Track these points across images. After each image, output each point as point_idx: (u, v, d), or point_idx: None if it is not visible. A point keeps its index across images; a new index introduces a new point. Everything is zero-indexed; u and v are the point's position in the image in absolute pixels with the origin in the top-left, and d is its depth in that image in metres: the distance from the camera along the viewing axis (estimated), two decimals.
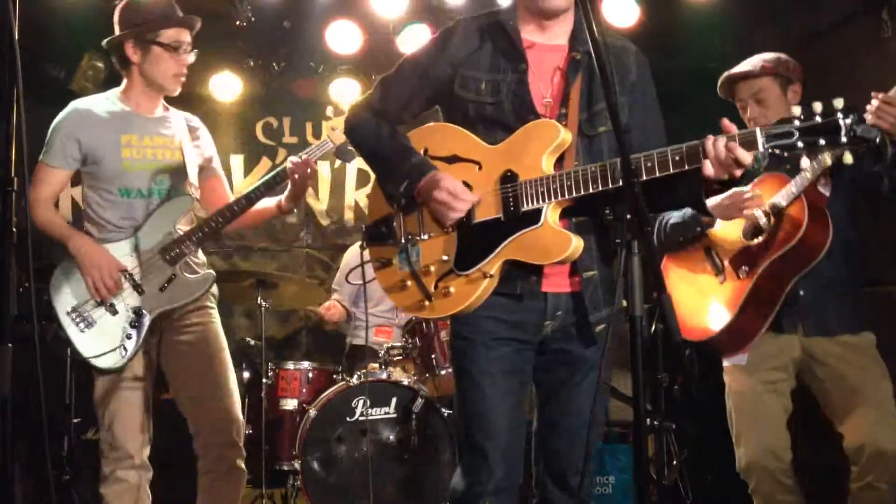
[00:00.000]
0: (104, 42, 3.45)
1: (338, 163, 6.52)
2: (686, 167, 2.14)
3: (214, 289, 3.52)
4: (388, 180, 2.48)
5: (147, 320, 3.29)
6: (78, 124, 3.33)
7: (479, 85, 2.40)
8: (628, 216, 1.98)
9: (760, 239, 3.22)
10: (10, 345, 2.01)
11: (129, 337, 3.26)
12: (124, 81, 3.46)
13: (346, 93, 6.21)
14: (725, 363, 3.37)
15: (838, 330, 3.23)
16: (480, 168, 2.39)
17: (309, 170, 3.38)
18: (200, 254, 3.50)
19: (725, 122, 2.13)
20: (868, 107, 2.80)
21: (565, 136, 2.31)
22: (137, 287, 3.29)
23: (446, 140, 2.46)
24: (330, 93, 6.21)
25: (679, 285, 3.45)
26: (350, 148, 3.39)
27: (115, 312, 3.28)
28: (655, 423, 4.62)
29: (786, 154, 2.06)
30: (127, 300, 3.29)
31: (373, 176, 2.62)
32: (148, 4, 3.41)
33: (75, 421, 4.59)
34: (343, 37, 5.74)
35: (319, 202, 6.46)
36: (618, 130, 2.03)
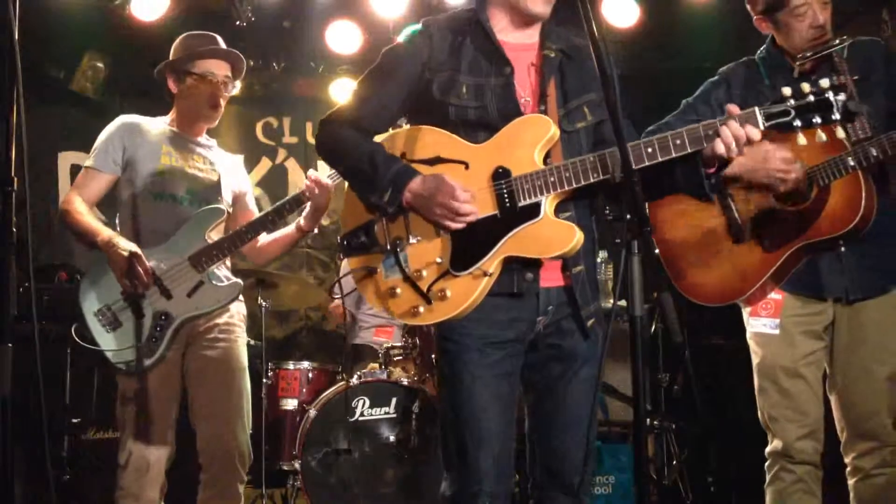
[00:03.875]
0: (155, 73, 3.58)
1: None
2: (688, 150, 2.18)
3: (244, 309, 3.59)
4: (369, 191, 2.35)
5: (173, 325, 3.32)
6: (125, 132, 3.46)
7: (461, 88, 2.34)
8: (628, 216, 1.97)
9: (795, 209, 2.86)
10: (10, 345, 2.01)
11: (154, 339, 3.29)
12: (173, 109, 3.59)
13: (345, 93, 6.22)
14: (752, 329, 3.05)
15: (889, 285, 2.89)
16: (467, 167, 2.32)
17: (323, 189, 3.49)
18: (228, 265, 3.55)
19: (731, 106, 2.19)
20: None
21: (555, 130, 2.29)
22: (165, 291, 3.32)
23: (425, 142, 2.36)
24: (330, 93, 6.23)
25: (682, 230, 3.10)
26: None
27: (141, 315, 3.30)
28: (655, 423, 4.63)
29: (783, 132, 2.18)
30: (154, 304, 3.32)
31: (345, 184, 2.48)
32: (189, 39, 3.58)
33: (75, 421, 4.59)
34: (343, 37, 5.75)
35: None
36: (618, 129, 2.01)
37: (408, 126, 2.47)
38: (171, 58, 3.53)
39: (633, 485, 2.18)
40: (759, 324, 3.01)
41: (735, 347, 4.94)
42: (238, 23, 5.44)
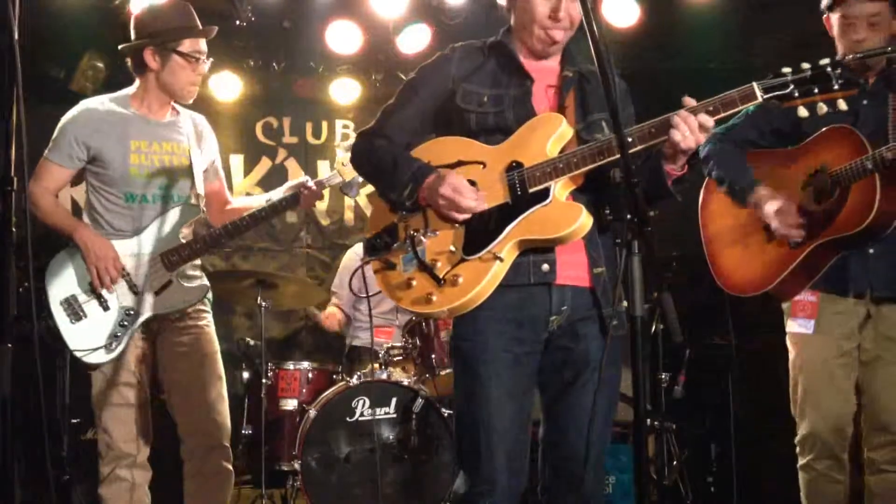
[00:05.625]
0: (121, 46, 3.45)
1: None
2: (661, 137, 2.27)
3: (210, 293, 3.54)
4: (391, 189, 2.48)
5: (138, 321, 3.31)
6: (87, 127, 3.33)
7: (482, 98, 2.47)
8: (628, 216, 2.00)
9: (820, 208, 3.06)
10: (9, 345, 2.01)
11: (117, 336, 3.28)
12: (136, 84, 3.45)
13: (346, 93, 6.22)
14: (789, 329, 3.22)
15: None
16: (485, 167, 2.42)
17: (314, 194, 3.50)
18: (197, 261, 3.51)
19: (687, 98, 2.29)
20: None
21: (567, 127, 2.38)
22: (133, 287, 3.31)
23: (448, 149, 2.48)
24: (330, 93, 6.23)
25: (723, 231, 3.36)
26: (360, 180, 3.54)
27: (107, 309, 3.29)
28: (655, 423, 4.62)
29: (784, 105, 2.26)
30: (121, 299, 3.31)
31: (369, 189, 2.61)
32: (169, 12, 3.41)
33: (74, 421, 4.59)
34: (343, 37, 5.74)
35: (319, 202, 6.44)
36: (617, 127, 2.08)
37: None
38: (146, 31, 3.36)
39: (633, 485, 2.20)
40: (797, 324, 3.19)
41: (736, 347, 4.96)
42: (238, 23, 5.44)
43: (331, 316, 5.48)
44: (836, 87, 2.23)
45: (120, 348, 3.28)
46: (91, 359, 3.27)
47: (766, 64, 3.40)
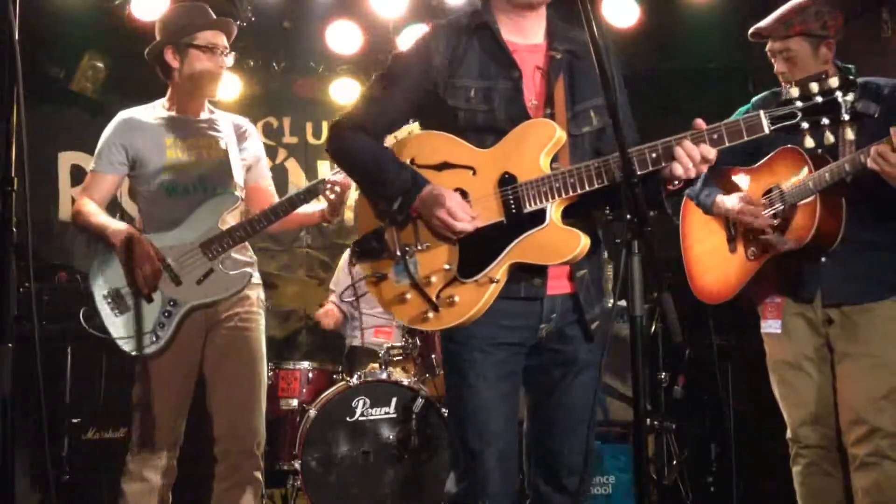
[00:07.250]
0: (146, 53, 3.52)
1: None
2: (662, 164, 2.16)
3: (262, 294, 3.56)
4: (378, 197, 2.38)
5: (181, 311, 3.33)
6: (124, 131, 3.44)
7: (469, 93, 2.34)
8: (628, 216, 1.97)
9: (774, 223, 3.17)
10: (10, 345, 2.01)
11: (161, 326, 3.30)
12: (168, 89, 3.53)
13: (346, 93, 6.22)
14: (762, 330, 3.33)
15: (864, 298, 3.10)
16: (475, 173, 2.32)
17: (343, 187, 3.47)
18: (250, 252, 3.54)
19: (698, 121, 2.18)
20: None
21: (560, 134, 2.27)
22: (175, 278, 3.33)
23: (433, 147, 2.37)
24: (330, 93, 6.23)
25: (696, 243, 3.53)
26: None
27: (150, 300, 3.32)
28: (655, 423, 4.63)
29: (789, 134, 2.14)
30: (163, 289, 3.33)
31: (357, 190, 2.49)
32: (183, 11, 3.53)
33: (75, 421, 4.59)
34: (343, 37, 5.75)
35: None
36: (618, 130, 2.03)
37: (417, 130, 2.49)
38: (164, 32, 3.46)
39: (633, 485, 2.19)
40: (766, 325, 3.31)
41: (731, 346, 4.97)
42: (238, 23, 5.43)
43: (329, 312, 5.47)
44: (845, 117, 2.07)
45: (165, 339, 3.30)
46: (136, 349, 3.29)
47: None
